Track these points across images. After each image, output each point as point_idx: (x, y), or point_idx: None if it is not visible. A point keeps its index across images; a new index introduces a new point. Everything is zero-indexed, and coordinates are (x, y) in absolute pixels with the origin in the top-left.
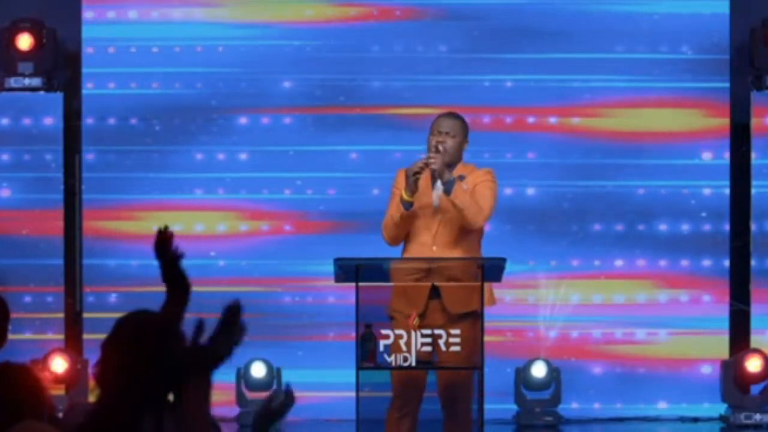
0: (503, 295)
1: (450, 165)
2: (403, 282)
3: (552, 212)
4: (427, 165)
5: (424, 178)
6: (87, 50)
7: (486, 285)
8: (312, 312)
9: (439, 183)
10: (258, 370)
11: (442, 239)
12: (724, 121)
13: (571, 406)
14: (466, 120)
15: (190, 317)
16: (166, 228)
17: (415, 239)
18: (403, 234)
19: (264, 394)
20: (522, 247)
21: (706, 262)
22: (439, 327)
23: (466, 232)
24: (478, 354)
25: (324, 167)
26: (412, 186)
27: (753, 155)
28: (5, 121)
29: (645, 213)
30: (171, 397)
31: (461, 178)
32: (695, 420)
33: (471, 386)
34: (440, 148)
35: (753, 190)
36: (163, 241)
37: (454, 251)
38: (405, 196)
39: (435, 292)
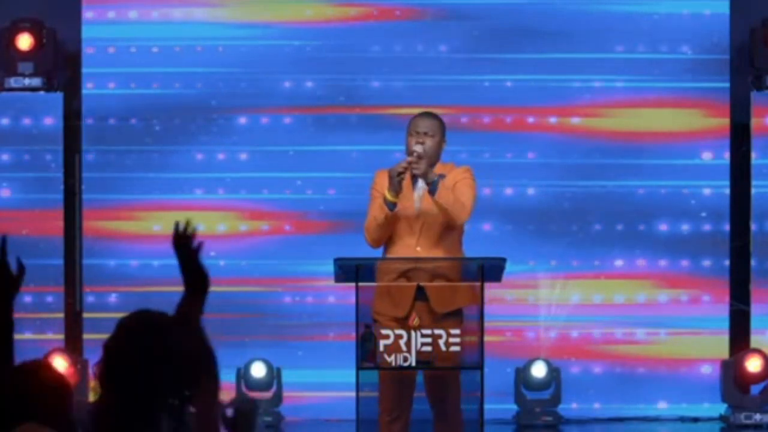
0: (503, 295)
1: (430, 165)
2: (386, 282)
3: (552, 212)
4: (410, 169)
5: (406, 179)
6: (87, 50)
7: (469, 284)
8: (312, 312)
9: (420, 183)
10: (258, 370)
11: (426, 239)
12: (724, 121)
13: (571, 406)
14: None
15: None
16: (187, 224)
17: (399, 240)
18: (386, 235)
19: (264, 394)
20: (522, 247)
21: (706, 262)
22: (426, 327)
23: (448, 232)
24: (467, 352)
25: (324, 167)
26: (396, 186)
27: (753, 155)
28: (5, 121)
29: (645, 213)
30: (172, 400)
31: (441, 177)
32: (695, 420)
33: (458, 385)
34: (419, 151)
35: (753, 190)
36: (182, 237)
37: (437, 251)
38: (389, 197)
39: (420, 294)
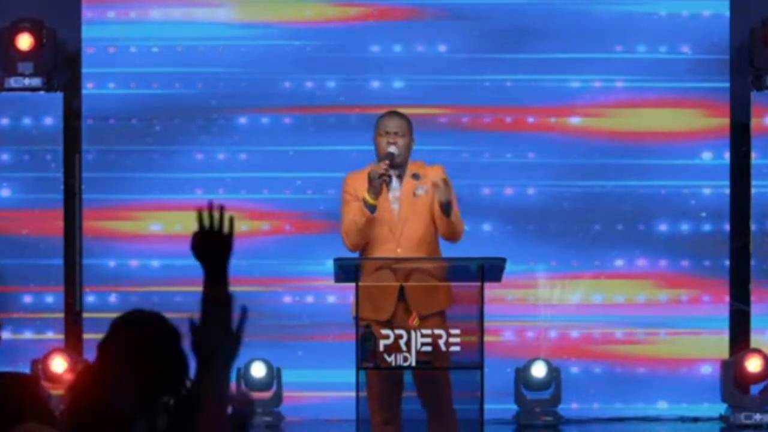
0: (503, 295)
1: (400, 165)
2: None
3: (552, 212)
4: (390, 174)
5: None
6: (87, 50)
7: (446, 284)
8: (312, 312)
9: (396, 183)
10: (258, 370)
11: (406, 240)
12: (724, 121)
13: (571, 406)
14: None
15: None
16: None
17: (378, 242)
18: (366, 239)
19: (264, 394)
20: (522, 247)
21: (706, 262)
22: (411, 329)
23: (428, 232)
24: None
25: (324, 167)
26: (378, 188)
27: (753, 155)
28: (5, 121)
29: (645, 213)
30: (167, 398)
31: (416, 176)
32: (695, 420)
33: (449, 384)
34: (394, 152)
35: (753, 190)
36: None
37: (418, 251)
38: (369, 200)
39: (403, 295)
